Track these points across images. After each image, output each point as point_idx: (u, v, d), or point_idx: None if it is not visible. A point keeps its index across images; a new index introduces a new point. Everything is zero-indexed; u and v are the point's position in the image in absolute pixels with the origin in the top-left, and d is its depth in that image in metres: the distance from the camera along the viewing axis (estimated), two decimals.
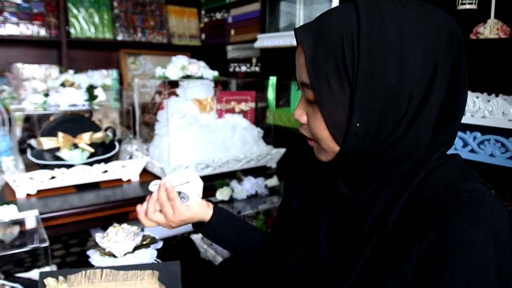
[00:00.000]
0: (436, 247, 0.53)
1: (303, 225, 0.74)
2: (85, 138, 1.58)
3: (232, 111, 1.86)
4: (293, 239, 0.76)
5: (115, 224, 1.02)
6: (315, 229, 0.71)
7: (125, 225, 1.02)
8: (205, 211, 0.89)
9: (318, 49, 0.58)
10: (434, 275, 0.53)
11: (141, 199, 1.43)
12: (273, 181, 1.65)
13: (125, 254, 0.97)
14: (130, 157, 1.71)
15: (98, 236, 1.00)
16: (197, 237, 1.56)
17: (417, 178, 0.59)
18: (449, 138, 0.63)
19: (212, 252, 1.44)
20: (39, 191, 1.42)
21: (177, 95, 1.80)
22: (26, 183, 1.39)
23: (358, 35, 0.55)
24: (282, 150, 1.85)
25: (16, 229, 1.13)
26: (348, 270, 0.60)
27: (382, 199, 0.61)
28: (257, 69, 2.23)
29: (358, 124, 0.57)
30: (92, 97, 1.68)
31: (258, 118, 1.96)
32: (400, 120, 0.57)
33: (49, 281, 0.89)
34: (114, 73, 2.56)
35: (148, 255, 0.99)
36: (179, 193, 0.85)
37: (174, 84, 1.83)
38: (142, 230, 1.05)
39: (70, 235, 1.71)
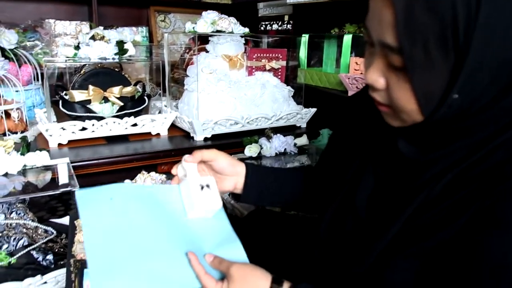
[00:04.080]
0: (490, 213, 0.48)
1: (343, 176, 0.70)
2: (115, 91, 1.58)
3: (262, 69, 1.81)
4: (331, 190, 0.73)
5: (144, 172, 1.02)
6: (357, 182, 0.66)
7: (153, 173, 1.02)
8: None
9: (417, 4, 0.45)
10: (478, 241, 0.48)
11: (169, 153, 1.44)
12: (303, 140, 1.61)
13: None
14: (159, 113, 1.71)
15: (127, 183, 1.00)
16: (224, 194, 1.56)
17: (494, 142, 0.51)
18: None
19: (239, 207, 1.44)
20: (70, 142, 1.44)
21: (207, 51, 1.76)
22: (58, 133, 1.41)
23: None
24: (312, 110, 1.81)
25: (48, 175, 1.15)
26: (387, 226, 0.56)
27: (447, 160, 0.54)
28: (289, 27, 2.16)
29: (456, 96, 0.47)
30: (122, 51, 1.66)
31: (288, 77, 1.91)
32: (509, 83, 0.48)
33: (79, 222, 0.90)
34: (144, 30, 2.54)
35: None
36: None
37: (204, 40, 1.80)
38: (170, 179, 1.05)
39: None
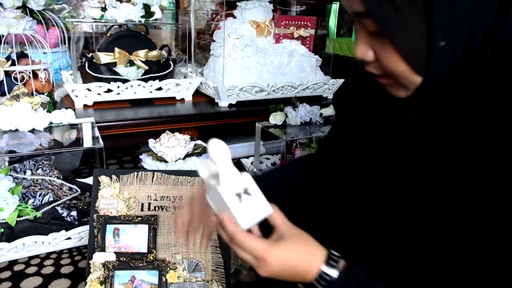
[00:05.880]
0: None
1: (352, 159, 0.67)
2: (141, 55, 1.56)
3: (290, 37, 1.76)
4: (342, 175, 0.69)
5: (168, 132, 1.01)
6: (368, 164, 0.63)
7: (177, 134, 1.01)
8: None
9: None
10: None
11: (193, 117, 1.43)
12: (329, 111, 1.57)
13: (176, 160, 0.97)
14: (185, 77, 1.69)
15: (151, 141, 0.99)
16: (247, 161, 1.54)
17: (498, 110, 0.48)
18: None
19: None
20: (95, 103, 1.44)
21: (234, 17, 1.72)
22: (84, 94, 1.41)
23: None
24: (340, 81, 1.75)
25: (73, 134, 1.16)
26: (411, 198, 0.55)
27: (458, 123, 0.51)
28: None
29: (443, 43, 0.45)
30: (148, 13, 1.64)
31: (317, 46, 1.85)
32: (495, 14, 0.45)
33: (103, 178, 0.90)
34: None
35: None
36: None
37: (231, 5, 1.76)
38: (193, 139, 1.04)
39: (124, 152, 1.76)
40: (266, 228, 0.59)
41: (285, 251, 0.54)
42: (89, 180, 1.26)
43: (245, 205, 0.53)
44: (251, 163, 1.54)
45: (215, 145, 0.51)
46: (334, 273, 0.52)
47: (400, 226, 0.55)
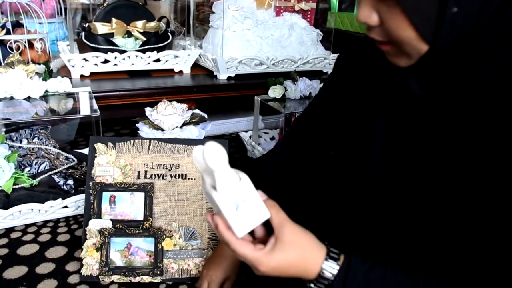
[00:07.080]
0: None
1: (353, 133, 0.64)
2: (139, 25, 1.54)
3: (291, 10, 1.73)
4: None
5: (165, 100, 1.00)
6: (367, 139, 0.60)
7: (174, 102, 1.00)
8: None
9: None
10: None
11: (191, 89, 1.41)
12: None
13: (173, 129, 0.95)
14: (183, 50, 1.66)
15: (148, 110, 0.98)
16: (245, 135, 1.53)
17: (510, 80, 0.46)
18: None
19: (260, 149, 1.42)
20: (92, 74, 1.42)
21: None
22: (80, 64, 1.39)
23: None
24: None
25: (69, 102, 1.14)
26: (414, 172, 0.53)
27: (466, 95, 0.49)
28: None
29: (456, 9, 0.43)
30: None
31: (318, 20, 1.82)
32: None
33: (99, 145, 0.89)
34: None
35: (196, 132, 0.97)
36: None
37: None
38: (190, 109, 1.03)
39: (122, 125, 1.75)
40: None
41: (280, 257, 0.51)
42: (86, 151, 1.25)
43: (242, 213, 0.50)
44: (250, 137, 1.53)
45: (211, 149, 0.46)
46: (334, 270, 0.51)
47: (404, 205, 0.54)
